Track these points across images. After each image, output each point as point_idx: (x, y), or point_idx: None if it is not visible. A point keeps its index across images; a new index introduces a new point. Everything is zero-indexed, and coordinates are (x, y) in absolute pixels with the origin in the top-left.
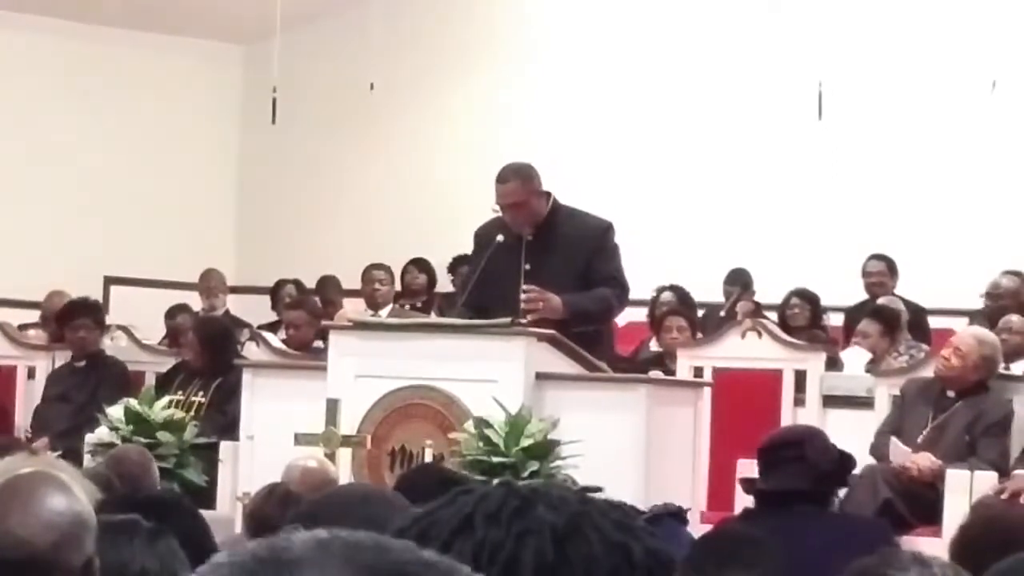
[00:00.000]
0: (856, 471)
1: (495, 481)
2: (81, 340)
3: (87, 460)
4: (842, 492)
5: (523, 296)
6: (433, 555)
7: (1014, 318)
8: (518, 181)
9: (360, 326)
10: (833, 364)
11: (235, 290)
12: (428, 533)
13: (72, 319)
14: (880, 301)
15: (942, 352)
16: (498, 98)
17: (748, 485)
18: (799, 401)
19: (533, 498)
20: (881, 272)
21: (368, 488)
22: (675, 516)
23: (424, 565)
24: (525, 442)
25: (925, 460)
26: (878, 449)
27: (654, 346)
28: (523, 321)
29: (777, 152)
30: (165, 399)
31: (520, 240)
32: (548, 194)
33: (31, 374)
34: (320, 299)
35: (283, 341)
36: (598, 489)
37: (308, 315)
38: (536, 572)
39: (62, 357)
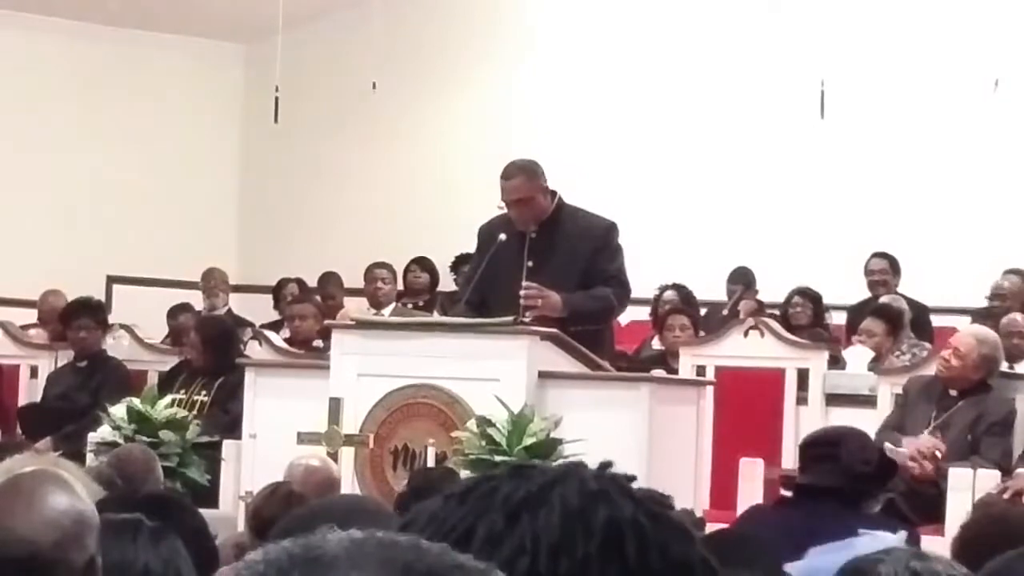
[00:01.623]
0: None
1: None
2: (82, 340)
3: (90, 459)
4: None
5: (522, 293)
6: (469, 559)
7: (1018, 317)
8: (523, 177)
9: (362, 325)
10: (835, 363)
11: (237, 289)
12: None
13: (73, 319)
14: (883, 300)
15: (941, 353)
16: (500, 97)
17: (785, 480)
18: (801, 400)
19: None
20: (884, 270)
21: (351, 500)
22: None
23: (460, 569)
24: (527, 441)
25: (928, 442)
26: (881, 442)
27: (657, 344)
28: (525, 320)
29: (779, 151)
30: (167, 398)
31: (523, 237)
32: (553, 192)
33: (34, 373)
34: (321, 295)
35: (286, 340)
36: (608, 463)
37: (313, 307)
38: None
39: (64, 356)
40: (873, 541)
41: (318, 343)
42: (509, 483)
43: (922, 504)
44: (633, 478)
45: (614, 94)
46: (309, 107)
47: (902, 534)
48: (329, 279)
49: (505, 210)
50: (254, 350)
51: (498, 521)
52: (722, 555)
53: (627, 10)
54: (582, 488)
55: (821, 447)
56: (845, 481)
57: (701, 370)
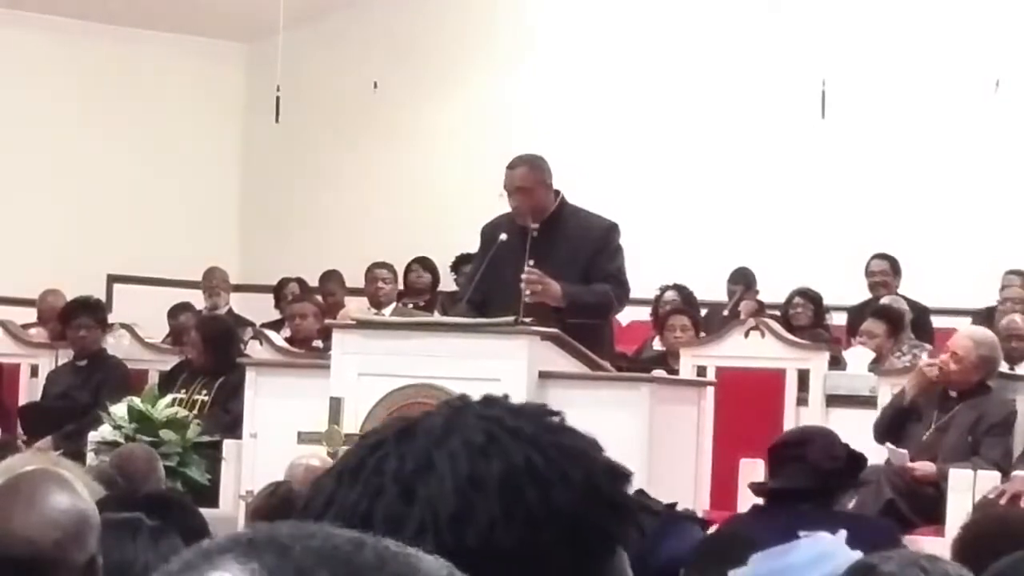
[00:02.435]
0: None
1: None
2: (82, 340)
3: (90, 458)
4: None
5: (524, 277)
6: (351, 542)
7: (1017, 319)
8: (527, 168)
9: (363, 325)
10: (836, 363)
11: (238, 288)
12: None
13: (73, 318)
14: (883, 301)
15: (939, 358)
16: (501, 96)
17: (757, 487)
18: (802, 400)
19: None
20: (884, 271)
21: None
22: (694, 519)
23: (341, 559)
24: None
25: (924, 468)
26: (882, 426)
27: (657, 345)
28: (526, 320)
29: (780, 151)
30: (168, 397)
31: (525, 236)
32: (557, 191)
33: (34, 372)
34: (322, 293)
35: (287, 339)
36: (492, 400)
37: (313, 306)
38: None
39: (65, 355)
40: (814, 543)
41: (317, 343)
42: (397, 450)
43: (922, 505)
44: (518, 407)
45: (615, 94)
46: (310, 106)
47: (842, 533)
48: (330, 277)
49: (506, 200)
50: (255, 350)
51: (394, 500)
52: (720, 556)
53: (627, 11)
54: (468, 444)
55: (788, 449)
56: (815, 481)
57: (702, 370)
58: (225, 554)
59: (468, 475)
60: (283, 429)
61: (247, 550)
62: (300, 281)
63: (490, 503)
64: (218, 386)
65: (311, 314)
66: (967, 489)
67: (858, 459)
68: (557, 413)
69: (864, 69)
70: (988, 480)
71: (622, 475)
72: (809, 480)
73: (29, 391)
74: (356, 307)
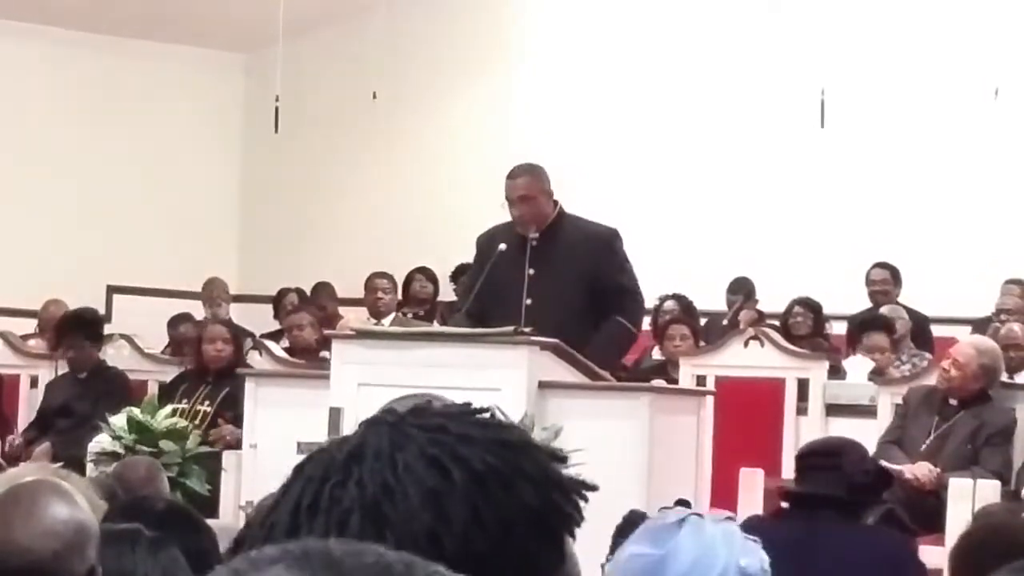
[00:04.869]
0: None
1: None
2: (73, 360)
3: (90, 469)
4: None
5: None
6: (395, 560)
7: (1016, 328)
8: (528, 177)
9: (363, 335)
10: (836, 372)
11: (238, 299)
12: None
13: (64, 337)
14: (883, 310)
15: (942, 363)
16: (500, 107)
17: (783, 491)
18: (802, 410)
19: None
20: (885, 280)
21: None
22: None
23: (388, 569)
24: None
25: (923, 469)
26: (880, 458)
27: (657, 354)
28: (526, 330)
29: (780, 160)
30: (168, 408)
31: (524, 246)
32: (556, 201)
33: (34, 383)
34: (314, 305)
35: (286, 349)
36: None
37: (310, 316)
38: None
39: (64, 366)
40: (695, 540)
41: (325, 354)
42: (351, 477)
43: (922, 514)
44: (451, 412)
45: (614, 105)
46: (309, 117)
47: (723, 513)
48: (322, 290)
49: (507, 211)
50: (254, 360)
51: (364, 528)
52: None
53: (626, 22)
54: (422, 458)
55: (822, 456)
56: (846, 490)
57: (701, 380)
58: (275, 564)
59: (433, 488)
60: (283, 439)
61: (298, 561)
62: (299, 291)
63: (461, 511)
64: (222, 397)
65: (307, 323)
66: (967, 498)
67: (886, 477)
68: (486, 410)
69: (863, 78)
70: (988, 489)
71: (562, 457)
72: (841, 489)
73: (29, 402)
74: (355, 317)
